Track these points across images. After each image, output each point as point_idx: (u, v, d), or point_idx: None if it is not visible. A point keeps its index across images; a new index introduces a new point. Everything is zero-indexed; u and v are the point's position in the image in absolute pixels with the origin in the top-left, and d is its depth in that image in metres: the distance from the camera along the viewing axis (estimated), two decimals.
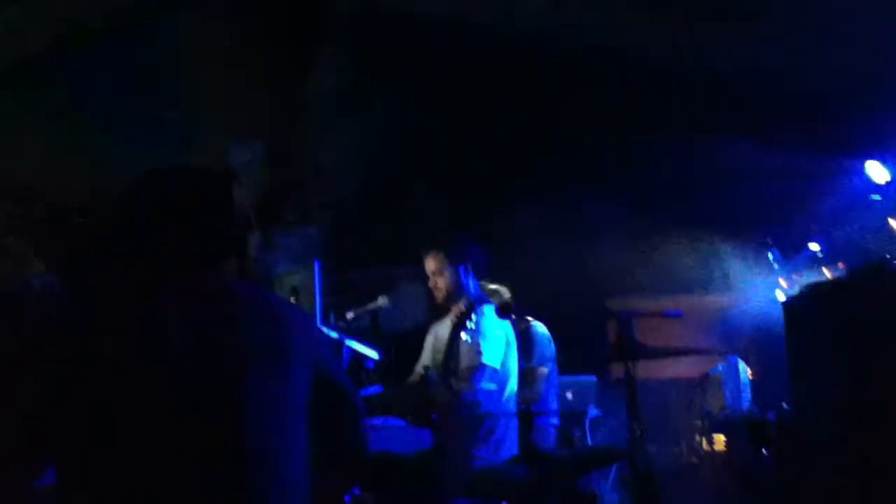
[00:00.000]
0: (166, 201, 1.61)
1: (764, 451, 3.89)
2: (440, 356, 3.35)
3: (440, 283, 3.41)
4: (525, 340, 3.93)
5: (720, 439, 5.72)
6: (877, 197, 5.49)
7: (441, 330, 3.49)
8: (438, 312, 3.56)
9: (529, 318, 4.15)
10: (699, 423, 6.65)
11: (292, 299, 3.31)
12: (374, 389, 3.35)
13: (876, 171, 5.38)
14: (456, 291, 3.40)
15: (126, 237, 1.62)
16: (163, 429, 1.45)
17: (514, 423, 3.29)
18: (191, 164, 1.71)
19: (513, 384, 3.35)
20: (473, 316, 3.13)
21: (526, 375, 3.74)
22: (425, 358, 3.54)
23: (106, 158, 3.97)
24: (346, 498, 2.46)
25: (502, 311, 3.14)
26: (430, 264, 3.44)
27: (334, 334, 3.24)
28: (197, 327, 1.54)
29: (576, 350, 4.36)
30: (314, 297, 3.39)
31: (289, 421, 1.58)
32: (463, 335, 3.15)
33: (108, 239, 1.63)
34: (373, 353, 3.34)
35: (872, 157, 5.39)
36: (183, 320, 1.53)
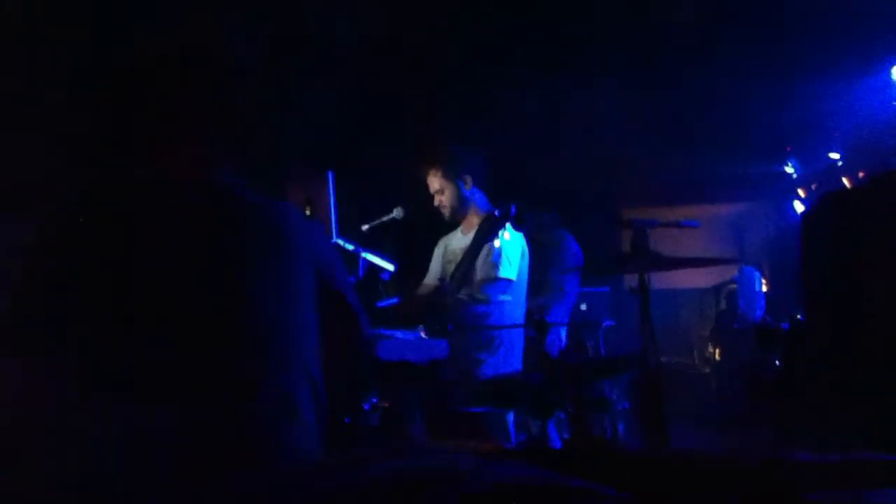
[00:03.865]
0: (156, 97, 1.58)
1: (777, 362, 3.93)
2: (451, 267, 3.37)
3: (444, 201, 3.39)
4: (555, 251, 3.92)
5: (730, 348, 5.78)
6: None
7: (452, 242, 3.50)
8: (448, 225, 3.56)
9: (559, 228, 4.13)
10: (712, 332, 6.73)
11: (306, 210, 3.31)
12: (390, 301, 3.39)
13: None
14: (460, 206, 3.39)
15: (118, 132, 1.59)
16: (164, 316, 1.46)
17: (522, 335, 3.33)
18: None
19: (523, 295, 3.37)
20: (502, 232, 3.12)
21: (544, 285, 3.76)
22: (434, 270, 3.56)
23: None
24: (366, 406, 2.52)
25: (517, 223, 3.12)
26: (432, 183, 3.41)
27: (350, 246, 3.25)
28: (193, 226, 1.53)
29: (588, 259, 4.36)
30: (329, 208, 3.37)
31: (294, 312, 1.59)
32: (486, 249, 3.15)
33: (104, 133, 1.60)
34: (388, 265, 3.35)
35: None
36: (179, 217, 1.53)
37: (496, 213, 3.09)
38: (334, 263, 1.78)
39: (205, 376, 1.47)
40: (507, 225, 3.09)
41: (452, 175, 3.36)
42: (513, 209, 3.00)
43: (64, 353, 1.46)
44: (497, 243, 3.12)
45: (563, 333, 3.96)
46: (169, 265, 1.48)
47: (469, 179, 3.37)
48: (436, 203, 3.43)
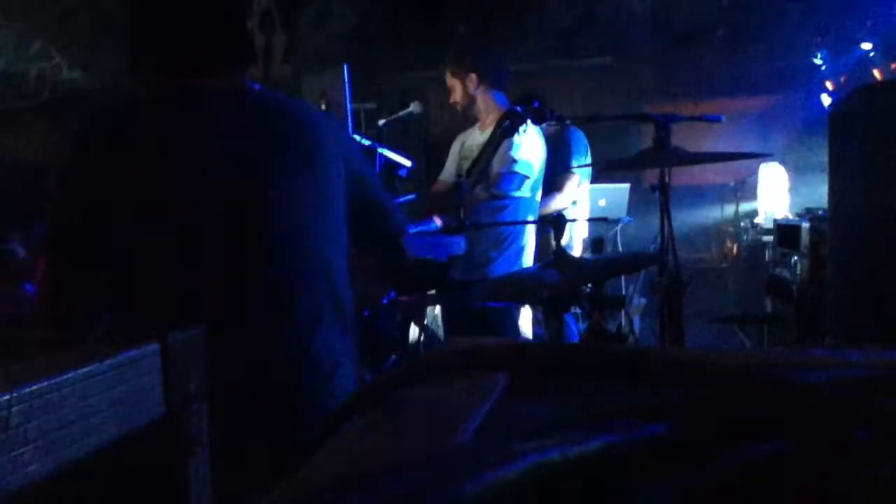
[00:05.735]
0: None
1: (795, 257, 3.91)
2: (467, 164, 3.34)
3: (455, 98, 3.37)
4: (560, 144, 3.88)
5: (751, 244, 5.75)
6: None
7: (469, 139, 3.45)
8: (466, 122, 3.51)
9: (567, 122, 4.04)
10: (731, 228, 6.70)
11: (322, 105, 3.26)
12: (407, 197, 3.37)
13: None
14: (467, 104, 3.36)
15: (138, 37, 1.56)
16: (189, 225, 1.46)
17: (535, 232, 3.33)
18: None
19: (538, 192, 3.35)
20: (522, 128, 3.07)
21: (556, 181, 3.72)
22: (450, 167, 3.53)
23: None
24: (384, 301, 2.55)
25: (536, 118, 3.06)
26: (449, 79, 3.38)
27: (367, 142, 3.22)
28: (216, 131, 1.51)
29: (610, 155, 4.30)
30: (344, 103, 3.32)
31: (323, 215, 1.58)
32: (505, 144, 3.12)
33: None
34: (405, 161, 3.32)
35: None
36: (201, 124, 1.51)
37: (518, 109, 3.02)
38: (363, 161, 1.77)
39: (243, 290, 1.47)
40: (528, 121, 3.04)
41: (459, 73, 3.32)
42: (535, 104, 2.94)
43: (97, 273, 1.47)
44: (517, 139, 3.08)
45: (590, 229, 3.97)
46: (203, 178, 1.46)
47: (474, 77, 3.31)
48: (452, 99, 3.41)
